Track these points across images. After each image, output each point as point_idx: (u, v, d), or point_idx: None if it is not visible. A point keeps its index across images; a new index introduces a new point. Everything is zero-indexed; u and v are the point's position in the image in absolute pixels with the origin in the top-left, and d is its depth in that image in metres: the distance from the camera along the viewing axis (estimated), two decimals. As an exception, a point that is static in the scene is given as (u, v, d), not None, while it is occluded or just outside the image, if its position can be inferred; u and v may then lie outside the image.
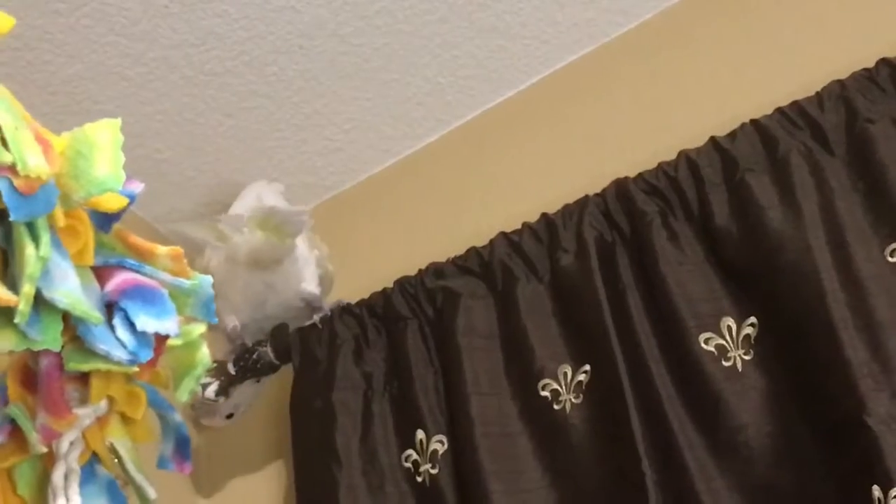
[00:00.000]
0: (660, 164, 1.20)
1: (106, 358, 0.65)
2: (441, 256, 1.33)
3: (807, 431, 1.03)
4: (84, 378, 0.70)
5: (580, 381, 1.16)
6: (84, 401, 0.70)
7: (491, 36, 1.45)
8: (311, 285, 1.38)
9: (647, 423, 1.08)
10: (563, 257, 1.22)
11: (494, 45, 1.46)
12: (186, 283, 0.71)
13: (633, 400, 1.09)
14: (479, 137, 1.53)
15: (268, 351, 1.37)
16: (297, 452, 1.33)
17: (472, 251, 1.30)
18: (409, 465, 1.25)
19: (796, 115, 1.14)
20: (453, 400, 1.22)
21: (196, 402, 1.38)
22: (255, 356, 1.36)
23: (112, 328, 0.66)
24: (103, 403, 0.72)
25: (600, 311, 1.15)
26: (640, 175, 1.20)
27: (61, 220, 0.62)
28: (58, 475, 0.70)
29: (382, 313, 1.34)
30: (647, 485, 1.04)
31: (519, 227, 1.28)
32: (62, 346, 0.65)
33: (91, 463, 0.74)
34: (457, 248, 1.33)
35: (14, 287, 0.60)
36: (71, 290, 0.61)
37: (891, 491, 0.93)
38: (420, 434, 1.24)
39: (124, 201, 0.66)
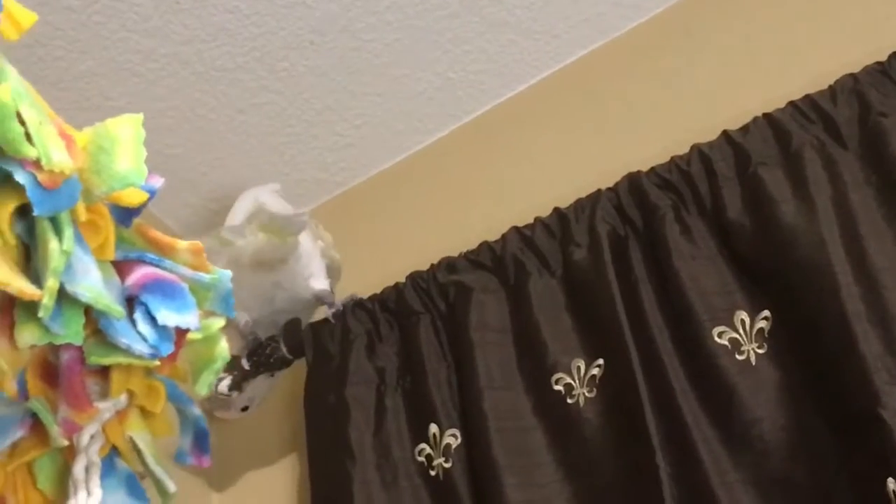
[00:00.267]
0: (672, 158, 1.20)
1: (127, 352, 0.65)
2: (453, 251, 1.33)
3: (821, 425, 1.03)
4: (104, 372, 0.70)
5: (594, 375, 1.16)
6: (104, 394, 0.71)
7: (502, 31, 1.45)
8: (320, 281, 1.38)
9: (660, 417, 1.08)
10: (575, 251, 1.23)
11: (505, 39, 1.46)
12: (206, 277, 0.71)
13: (646, 394, 1.09)
14: (490, 132, 1.53)
15: (281, 346, 1.37)
16: (311, 447, 1.33)
17: (485, 246, 1.31)
18: (422, 459, 1.25)
19: (809, 108, 1.14)
20: (466, 394, 1.22)
21: (210, 396, 1.38)
22: (268, 351, 1.37)
23: (133, 322, 0.66)
24: (123, 397, 0.72)
25: (613, 305, 1.15)
26: (652, 169, 1.20)
27: (83, 215, 0.63)
28: (79, 468, 0.70)
29: (395, 308, 1.34)
30: (661, 478, 1.04)
31: (531, 221, 1.28)
32: (83, 340, 0.65)
33: (110, 456, 0.75)
34: (469, 243, 1.33)
35: (37, 281, 0.60)
36: (93, 285, 0.62)
37: (905, 483, 0.93)
38: (433, 428, 1.24)
39: (145, 196, 0.66)
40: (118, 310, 0.63)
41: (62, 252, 0.58)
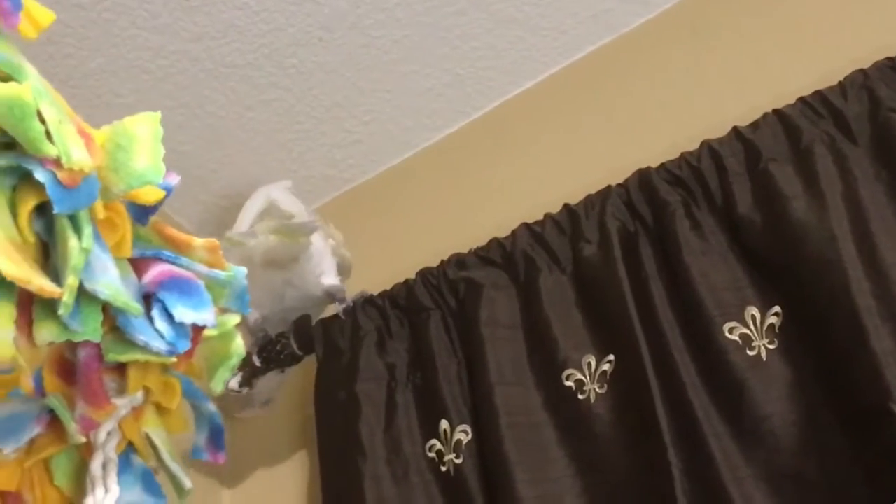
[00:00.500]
0: (682, 154, 1.20)
1: (145, 349, 0.65)
2: (463, 247, 1.34)
3: (832, 420, 1.03)
4: (121, 369, 0.70)
5: (604, 371, 1.16)
6: (121, 391, 0.71)
7: (510, 27, 1.45)
8: (330, 278, 1.39)
9: (672, 413, 1.08)
10: (585, 248, 1.23)
11: (513, 36, 1.47)
12: (222, 274, 0.71)
13: (657, 389, 1.09)
14: (499, 129, 1.54)
15: (291, 342, 1.38)
16: (322, 443, 1.34)
17: (495, 242, 1.31)
18: (433, 454, 1.25)
19: (819, 104, 1.14)
20: (477, 390, 1.22)
21: (225, 394, 1.39)
22: (278, 347, 1.37)
23: (150, 319, 0.66)
24: (139, 394, 0.72)
25: (624, 301, 1.15)
26: (662, 165, 1.21)
27: (101, 213, 0.63)
28: (96, 465, 0.71)
29: (405, 304, 1.35)
30: (673, 473, 1.04)
31: (541, 217, 1.29)
32: (101, 337, 0.65)
33: (126, 452, 0.75)
34: (479, 239, 1.33)
35: (56, 279, 0.60)
36: (111, 282, 0.62)
37: (917, 478, 0.94)
38: (444, 424, 1.25)
39: (161, 194, 0.67)
40: (136, 307, 0.63)
41: (82, 250, 0.58)
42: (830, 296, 1.04)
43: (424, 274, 1.34)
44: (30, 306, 0.61)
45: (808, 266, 1.06)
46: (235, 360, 0.76)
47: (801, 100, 1.15)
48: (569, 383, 1.18)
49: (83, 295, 0.61)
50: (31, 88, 0.55)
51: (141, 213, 0.68)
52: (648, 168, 1.21)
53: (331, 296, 1.38)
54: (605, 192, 1.24)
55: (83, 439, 0.70)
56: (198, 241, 0.71)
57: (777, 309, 1.09)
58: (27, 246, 0.60)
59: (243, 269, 0.74)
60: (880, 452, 0.97)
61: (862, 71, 1.13)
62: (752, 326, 1.09)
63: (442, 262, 1.34)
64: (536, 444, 1.17)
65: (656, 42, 1.42)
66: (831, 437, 1.02)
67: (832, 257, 1.04)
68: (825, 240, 1.06)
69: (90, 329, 0.62)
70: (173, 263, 0.69)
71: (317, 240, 1.38)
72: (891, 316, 1.01)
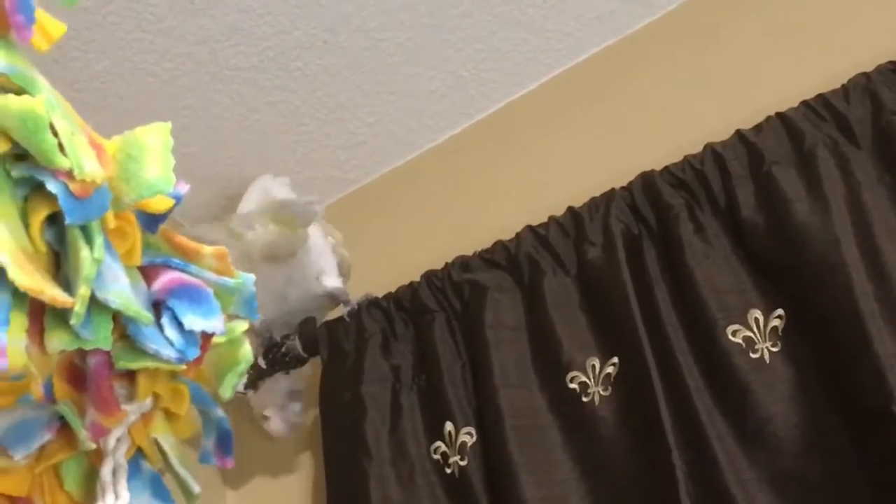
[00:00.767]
0: (686, 158, 1.20)
1: (155, 357, 0.66)
2: (467, 250, 1.34)
3: (835, 423, 1.04)
4: (130, 375, 0.71)
5: (608, 374, 1.17)
6: (130, 398, 0.71)
7: (514, 29, 1.45)
8: (332, 279, 1.39)
9: (676, 415, 1.09)
10: (589, 250, 1.23)
11: (517, 38, 1.47)
12: (231, 281, 0.72)
13: (661, 392, 1.10)
14: (503, 131, 1.54)
15: (296, 344, 1.38)
16: (327, 445, 1.34)
17: (499, 244, 1.31)
18: (437, 456, 1.26)
19: (822, 107, 1.14)
20: (482, 392, 1.23)
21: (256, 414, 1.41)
22: (283, 349, 1.38)
23: (160, 327, 0.67)
24: (149, 400, 0.73)
25: (628, 303, 1.15)
26: (666, 168, 1.21)
27: (111, 222, 0.63)
28: (106, 471, 0.71)
29: (410, 306, 1.35)
30: (677, 476, 1.05)
31: (545, 220, 1.29)
32: (111, 345, 0.66)
33: (136, 458, 0.76)
34: (483, 242, 1.33)
35: (67, 288, 0.60)
36: (122, 291, 0.62)
37: (920, 480, 0.94)
38: (449, 426, 1.25)
39: (171, 202, 0.67)
40: (147, 316, 0.64)
41: (93, 260, 0.58)
42: (833, 299, 1.04)
43: (429, 276, 1.35)
44: (41, 315, 0.62)
45: (810, 269, 1.07)
46: (244, 366, 0.76)
47: (804, 103, 1.16)
48: (573, 385, 1.19)
49: (94, 304, 0.62)
50: (45, 101, 0.55)
51: (151, 221, 0.69)
52: (652, 171, 1.22)
53: (334, 298, 1.38)
54: (609, 195, 1.24)
55: (93, 446, 0.70)
56: (207, 249, 0.72)
57: (780, 312, 1.10)
58: (39, 256, 0.60)
59: (252, 276, 0.74)
60: (883, 455, 0.98)
61: (865, 74, 1.14)
62: (755, 329, 1.10)
63: (446, 264, 1.35)
64: (541, 446, 1.17)
65: (660, 45, 1.43)
66: (834, 440, 1.03)
67: (835, 260, 1.05)
68: (828, 243, 1.06)
69: (101, 337, 0.63)
70: (183, 271, 0.70)
71: (315, 235, 1.38)
72: (893, 319, 1.01)
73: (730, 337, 1.10)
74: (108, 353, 0.67)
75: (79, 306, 0.58)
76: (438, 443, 1.26)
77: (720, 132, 1.20)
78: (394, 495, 1.24)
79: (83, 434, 0.69)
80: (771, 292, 1.11)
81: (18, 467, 0.71)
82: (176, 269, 0.70)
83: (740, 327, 1.10)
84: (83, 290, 0.58)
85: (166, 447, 0.76)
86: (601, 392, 1.17)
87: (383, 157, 1.62)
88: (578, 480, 1.15)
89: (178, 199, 0.68)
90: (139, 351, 0.66)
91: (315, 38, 1.41)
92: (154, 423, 0.76)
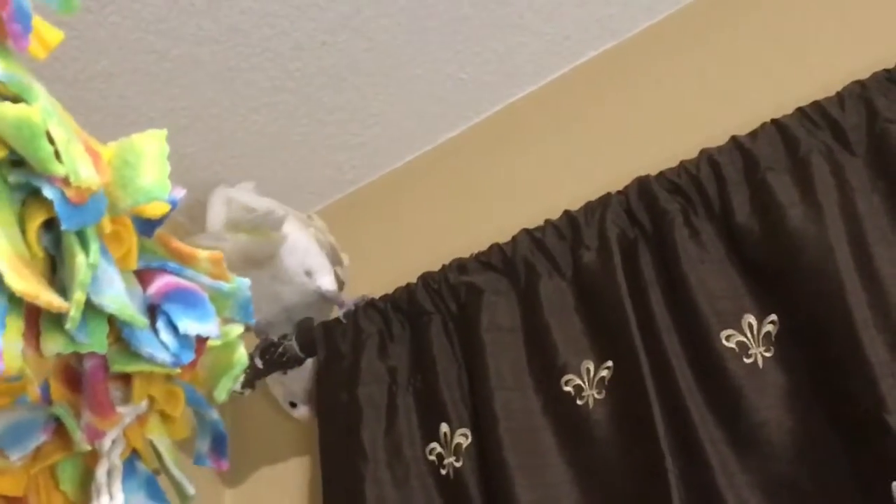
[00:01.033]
0: (681, 163, 1.21)
1: (150, 360, 0.66)
2: (464, 252, 1.35)
3: (827, 429, 1.04)
4: (126, 378, 0.71)
5: (602, 377, 1.18)
6: (126, 400, 0.72)
7: (512, 32, 1.46)
8: (325, 281, 1.39)
9: (669, 419, 1.09)
10: (585, 254, 1.24)
11: (515, 41, 1.47)
12: (226, 286, 0.73)
13: (655, 395, 1.10)
14: (500, 133, 1.55)
15: (293, 344, 1.39)
16: (324, 446, 1.35)
17: (495, 247, 1.32)
18: (433, 458, 1.27)
19: (817, 114, 1.15)
20: (477, 394, 1.24)
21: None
22: (280, 349, 1.38)
23: (155, 331, 0.67)
24: (144, 402, 0.74)
25: (623, 307, 1.16)
26: (661, 173, 1.21)
27: (107, 227, 0.64)
28: (101, 472, 0.72)
29: (406, 308, 1.36)
30: (669, 479, 1.06)
31: (541, 223, 1.30)
32: (107, 349, 0.66)
33: (131, 459, 0.76)
34: (479, 244, 1.34)
35: (63, 292, 0.61)
36: (117, 295, 0.63)
37: (911, 488, 0.95)
38: (444, 427, 1.26)
39: (167, 207, 0.68)
40: (142, 320, 0.64)
41: (89, 265, 0.59)
42: (826, 305, 1.05)
43: (426, 278, 1.35)
44: (37, 319, 0.63)
45: (804, 275, 1.07)
46: (238, 370, 0.77)
47: (800, 110, 1.16)
48: (568, 388, 1.19)
49: (90, 308, 0.62)
50: (41, 109, 0.56)
51: (147, 226, 0.69)
52: (648, 176, 1.22)
53: (328, 301, 1.39)
54: (605, 199, 1.25)
55: (89, 447, 0.71)
56: (202, 254, 0.72)
57: (774, 317, 1.10)
58: (35, 261, 0.61)
59: (247, 281, 0.75)
60: (874, 462, 0.99)
61: (859, 82, 1.14)
62: (748, 334, 1.11)
63: (443, 266, 1.35)
64: (535, 449, 1.18)
65: (657, 49, 1.43)
66: (826, 446, 1.04)
67: (828, 267, 1.05)
68: (822, 249, 1.06)
69: (96, 341, 0.63)
70: (178, 275, 0.70)
71: (294, 231, 1.38)
72: (886, 326, 1.01)
73: (723, 342, 1.11)
74: (103, 356, 0.68)
75: (74, 311, 0.59)
76: (434, 444, 1.27)
77: (716, 138, 1.20)
78: (389, 496, 1.25)
79: (79, 435, 0.70)
80: (764, 298, 1.12)
81: (14, 468, 0.71)
82: (171, 273, 0.71)
83: (734, 332, 1.11)
84: (78, 295, 0.59)
85: (161, 449, 0.77)
86: (595, 395, 1.17)
87: (381, 159, 1.63)
88: (572, 483, 1.16)
89: (174, 204, 0.69)
90: (134, 355, 0.67)
91: (314, 40, 1.42)
92: (149, 424, 0.76)
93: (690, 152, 1.21)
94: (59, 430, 0.72)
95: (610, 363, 1.18)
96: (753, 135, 1.17)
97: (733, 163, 1.17)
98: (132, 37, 1.35)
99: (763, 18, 1.34)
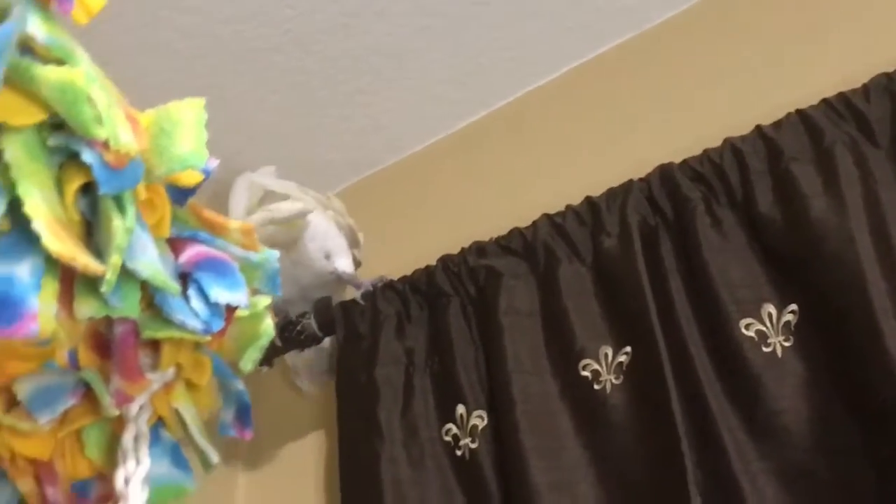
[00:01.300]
0: (705, 151, 1.21)
1: (181, 327, 0.67)
2: (483, 236, 1.35)
3: (845, 418, 1.04)
4: (154, 345, 0.72)
5: (621, 363, 1.18)
6: (154, 367, 0.72)
7: (534, 19, 1.46)
8: (342, 262, 1.40)
9: (686, 405, 1.09)
10: (605, 240, 1.24)
11: (537, 28, 1.47)
12: (256, 256, 0.73)
13: (673, 382, 1.10)
14: (521, 119, 1.55)
15: (311, 323, 1.39)
16: (342, 425, 1.36)
17: (515, 231, 1.32)
18: (448, 438, 1.27)
19: (842, 106, 1.14)
20: (494, 377, 1.24)
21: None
22: (299, 328, 1.39)
23: (186, 298, 0.68)
24: (171, 370, 0.74)
25: (642, 293, 1.16)
26: (684, 161, 1.21)
27: (142, 194, 0.64)
28: (128, 437, 0.72)
29: (425, 290, 1.36)
30: (686, 465, 1.06)
31: (562, 208, 1.30)
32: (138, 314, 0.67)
33: (156, 427, 0.77)
34: (499, 228, 1.34)
35: (98, 257, 0.62)
36: (151, 262, 0.64)
37: (929, 478, 0.95)
38: (461, 409, 1.26)
39: (201, 177, 0.68)
40: (175, 286, 0.65)
41: (126, 229, 0.60)
42: (847, 296, 1.04)
43: (445, 260, 1.36)
44: (71, 282, 0.63)
45: (825, 265, 1.07)
46: (265, 341, 0.78)
47: (825, 101, 1.15)
48: (585, 373, 1.20)
49: (123, 273, 0.63)
50: (84, 73, 0.57)
51: (180, 194, 0.70)
52: (671, 163, 1.22)
53: (345, 283, 1.39)
54: (627, 186, 1.25)
55: (117, 412, 0.71)
56: (233, 224, 0.73)
57: (794, 307, 1.10)
58: (72, 224, 0.61)
59: (275, 252, 0.76)
60: (892, 452, 0.99)
61: (886, 74, 1.14)
62: (768, 323, 1.11)
63: (462, 249, 1.35)
64: (552, 433, 1.18)
65: (681, 39, 1.43)
66: (844, 435, 1.03)
67: (850, 258, 1.05)
68: (843, 240, 1.06)
69: (129, 306, 0.64)
70: (209, 245, 0.71)
71: (315, 217, 1.38)
72: (906, 317, 1.02)
73: (742, 330, 1.11)
74: (134, 322, 0.69)
75: (110, 274, 0.60)
76: (450, 425, 1.27)
77: (740, 127, 1.20)
78: (404, 476, 1.25)
79: (107, 400, 0.70)
80: (785, 287, 1.12)
81: (42, 431, 0.72)
82: (203, 242, 0.71)
83: (753, 321, 1.11)
84: (115, 259, 0.59)
85: (187, 417, 0.77)
86: (613, 380, 1.18)
87: (402, 143, 1.64)
88: (587, 467, 1.16)
89: (207, 173, 0.69)
90: (165, 321, 0.67)
91: (336, 23, 1.42)
92: (175, 393, 0.77)
93: (714, 141, 1.21)
94: (87, 395, 0.72)
95: (628, 349, 1.18)
96: (778, 125, 1.17)
97: (757, 152, 1.17)
98: (159, 13, 1.35)
99: (790, 9, 1.34)
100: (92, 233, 0.64)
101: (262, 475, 1.56)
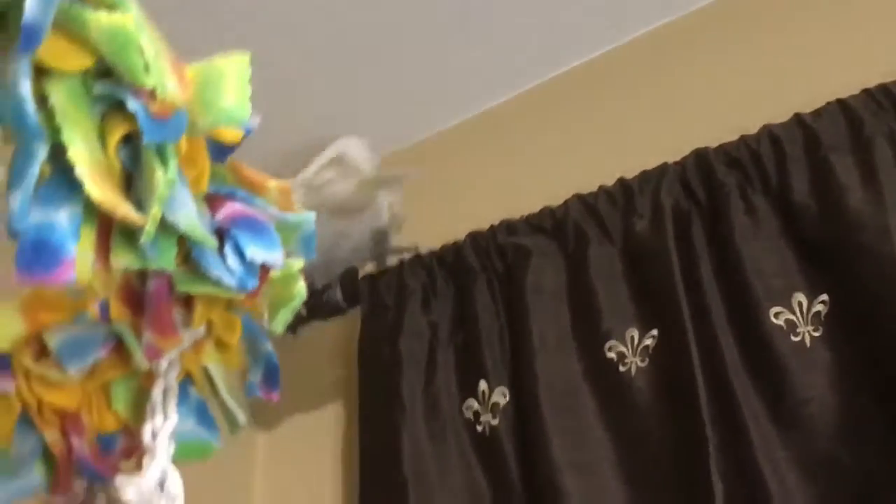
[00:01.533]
0: (742, 137, 1.20)
1: (216, 283, 0.67)
2: (514, 214, 1.35)
3: (871, 410, 1.04)
4: (187, 302, 0.72)
5: (647, 346, 1.17)
6: (186, 324, 0.72)
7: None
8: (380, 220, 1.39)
9: (712, 391, 1.09)
10: (637, 222, 1.23)
11: (579, 8, 1.46)
12: (293, 217, 0.73)
13: (699, 367, 1.10)
14: (559, 97, 1.54)
15: (336, 293, 1.39)
16: (363, 396, 1.36)
17: (546, 210, 1.32)
18: (469, 414, 1.27)
19: (883, 97, 1.13)
20: (518, 355, 1.24)
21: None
22: (324, 298, 1.39)
23: (222, 255, 0.68)
24: (202, 328, 0.74)
25: (672, 277, 1.16)
26: (720, 146, 1.21)
27: (183, 148, 0.64)
28: (157, 392, 0.72)
29: (452, 265, 1.36)
30: (708, 450, 1.06)
31: (594, 189, 1.29)
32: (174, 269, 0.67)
33: (184, 384, 0.77)
34: (530, 207, 1.34)
35: (137, 208, 0.61)
36: (189, 215, 0.63)
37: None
38: (483, 385, 1.26)
39: (241, 134, 0.68)
40: (212, 241, 0.64)
41: (168, 181, 0.59)
42: (879, 288, 1.04)
43: (474, 236, 1.35)
44: (108, 232, 0.63)
45: (859, 257, 1.07)
46: (297, 302, 0.77)
47: (865, 91, 1.14)
48: (611, 355, 1.19)
49: (161, 226, 0.62)
50: (135, 20, 0.56)
51: (220, 151, 0.69)
52: (706, 148, 1.21)
53: (377, 241, 1.39)
54: (662, 169, 1.24)
55: (148, 366, 0.71)
56: (272, 183, 0.72)
57: (825, 297, 1.10)
58: (113, 173, 0.61)
59: (312, 214, 0.75)
60: (917, 445, 0.98)
61: (928, 66, 1.13)
62: (798, 313, 1.10)
63: (492, 226, 1.35)
64: (574, 412, 1.18)
65: (722, 25, 1.41)
66: (869, 427, 1.03)
67: (884, 250, 1.05)
68: (879, 232, 1.06)
69: (166, 259, 0.63)
70: (247, 203, 0.71)
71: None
72: (938, 311, 1.01)
73: (772, 319, 1.10)
74: (168, 277, 0.68)
75: (150, 225, 0.59)
76: (471, 400, 1.27)
77: (778, 115, 1.19)
78: (425, 449, 1.25)
79: (139, 354, 0.70)
80: (816, 277, 1.11)
81: (70, 382, 0.72)
82: (241, 200, 0.71)
83: (783, 310, 1.10)
84: (155, 210, 0.59)
85: (216, 376, 0.77)
86: (638, 363, 1.17)
87: (438, 117, 1.63)
88: (609, 447, 1.16)
89: (247, 131, 0.69)
90: (201, 276, 0.67)
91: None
92: (205, 351, 0.77)
93: (751, 128, 1.20)
94: (118, 349, 0.72)
95: (655, 332, 1.17)
96: (817, 113, 1.16)
97: (794, 140, 1.16)
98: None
99: (834, -1, 1.33)
100: (131, 184, 0.64)
101: (282, 440, 1.57)
